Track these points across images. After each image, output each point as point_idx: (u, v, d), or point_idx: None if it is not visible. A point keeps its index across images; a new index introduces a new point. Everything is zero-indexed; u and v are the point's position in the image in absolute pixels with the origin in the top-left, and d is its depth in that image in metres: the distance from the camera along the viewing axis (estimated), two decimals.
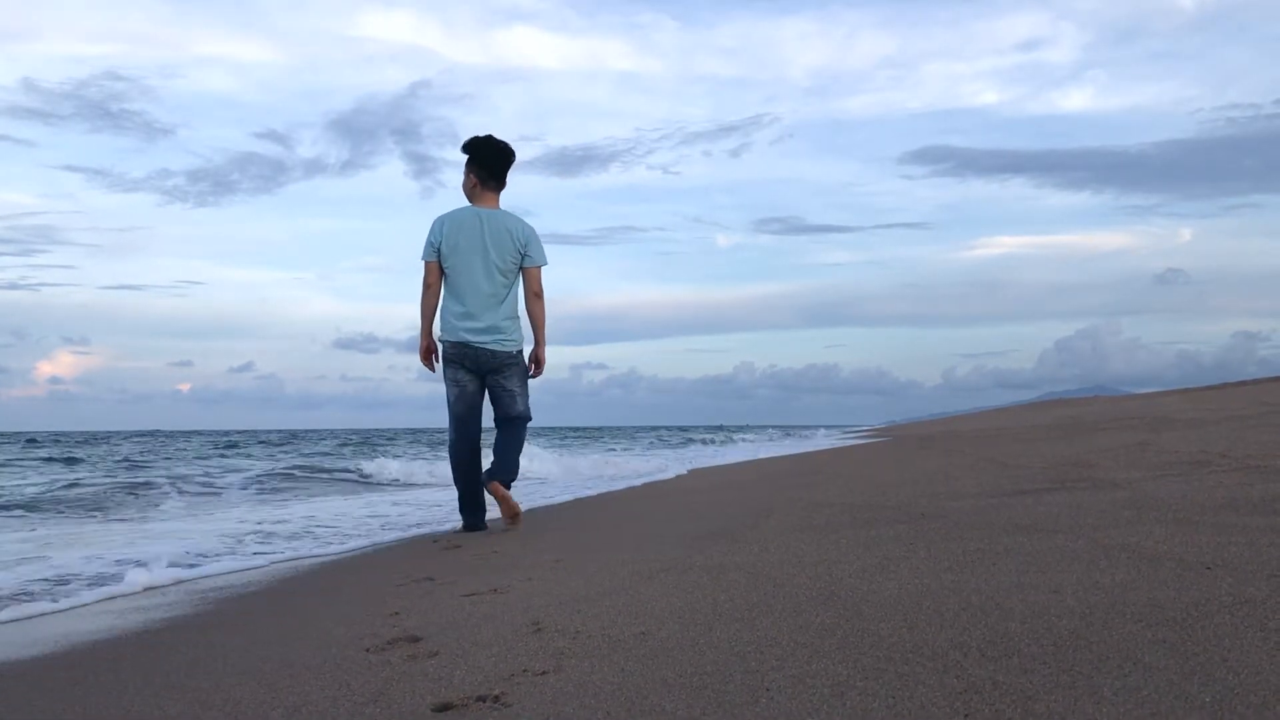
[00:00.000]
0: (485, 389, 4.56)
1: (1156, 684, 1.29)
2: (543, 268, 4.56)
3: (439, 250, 4.45)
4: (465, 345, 4.43)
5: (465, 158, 4.60)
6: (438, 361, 4.57)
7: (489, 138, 4.58)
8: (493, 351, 4.45)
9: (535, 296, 4.55)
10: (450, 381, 4.50)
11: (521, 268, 4.52)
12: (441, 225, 4.48)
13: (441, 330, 4.51)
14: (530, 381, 4.70)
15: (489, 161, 4.56)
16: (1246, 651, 1.39)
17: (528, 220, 4.58)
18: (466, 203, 4.59)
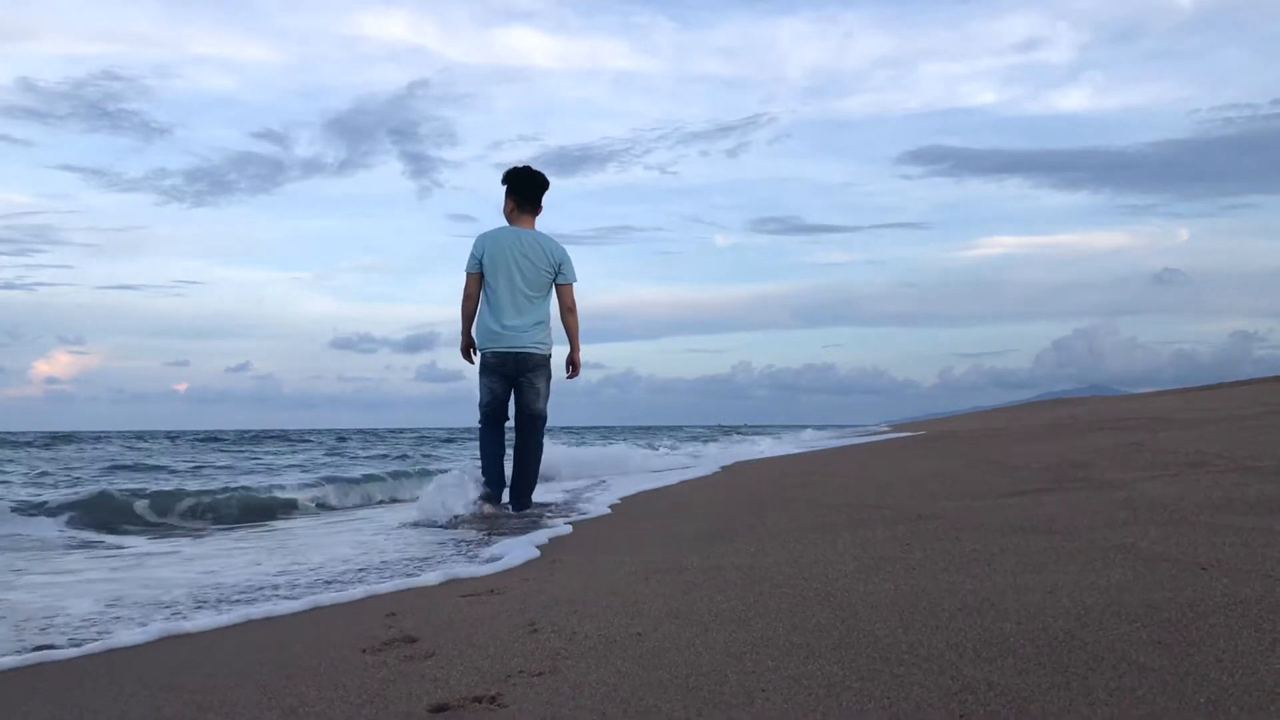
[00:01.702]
0: (512, 389, 5.16)
1: (1151, 684, 1.29)
2: (574, 285, 5.19)
3: (481, 263, 5.05)
4: (503, 353, 5.01)
5: (504, 185, 5.20)
6: (476, 356, 5.15)
7: (526, 168, 5.21)
8: (527, 354, 5.04)
9: (569, 311, 5.18)
10: (485, 387, 5.11)
11: (555, 284, 5.13)
12: (484, 242, 5.08)
13: (482, 341, 5.08)
14: (552, 384, 5.30)
15: (524, 189, 5.17)
16: (1241, 652, 1.39)
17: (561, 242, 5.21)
18: (507, 224, 5.19)
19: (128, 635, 2.29)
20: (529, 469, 5.22)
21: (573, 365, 5.27)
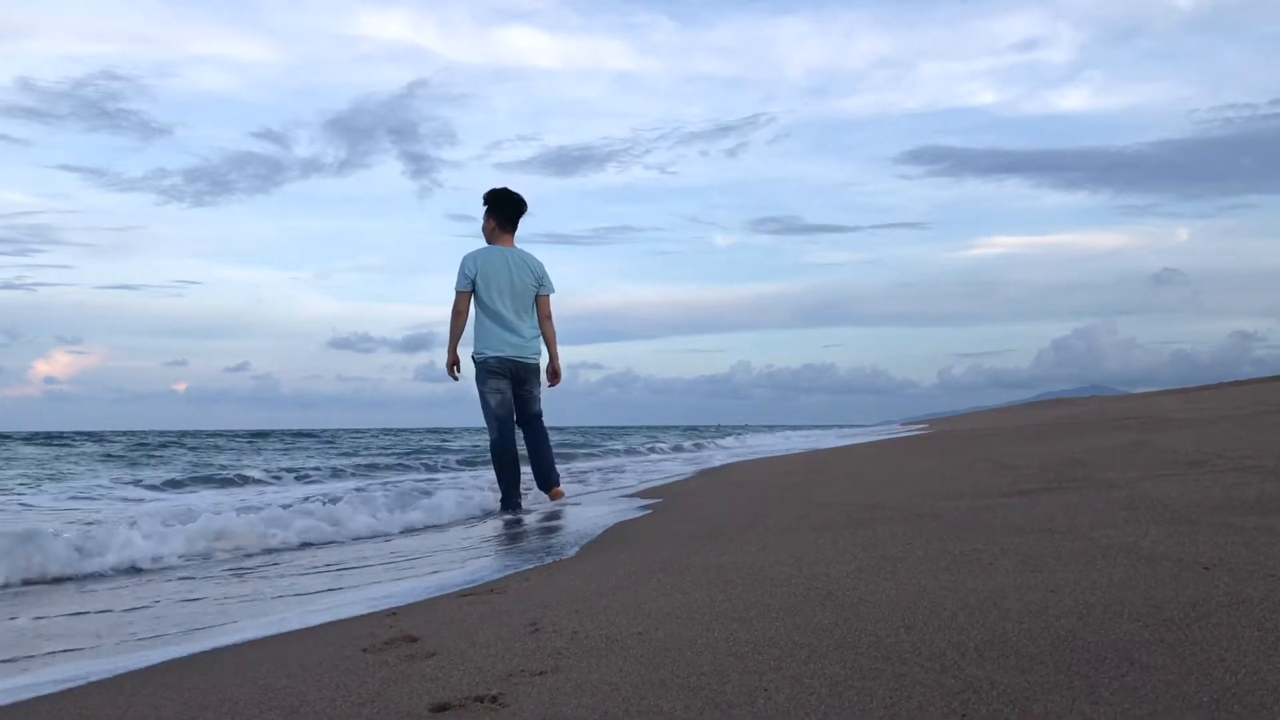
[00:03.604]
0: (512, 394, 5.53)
1: (1154, 684, 1.29)
2: (552, 295, 5.57)
3: (473, 282, 5.36)
4: (507, 359, 5.37)
5: (485, 205, 5.53)
6: (459, 373, 5.51)
7: (506, 190, 5.54)
8: (526, 362, 5.46)
9: (547, 319, 5.53)
10: (492, 390, 5.41)
11: (536, 295, 5.49)
12: (474, 261, 5.39)
13: (484, 348, 5.39)
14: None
15: (505, 210, 5.53)
16: (1244, 652, 1.39)
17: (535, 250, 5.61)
18: (484, 242, 5.54)
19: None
20: (547, 455, 5.61)
21: (554, 374, 5.65)
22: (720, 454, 13.56)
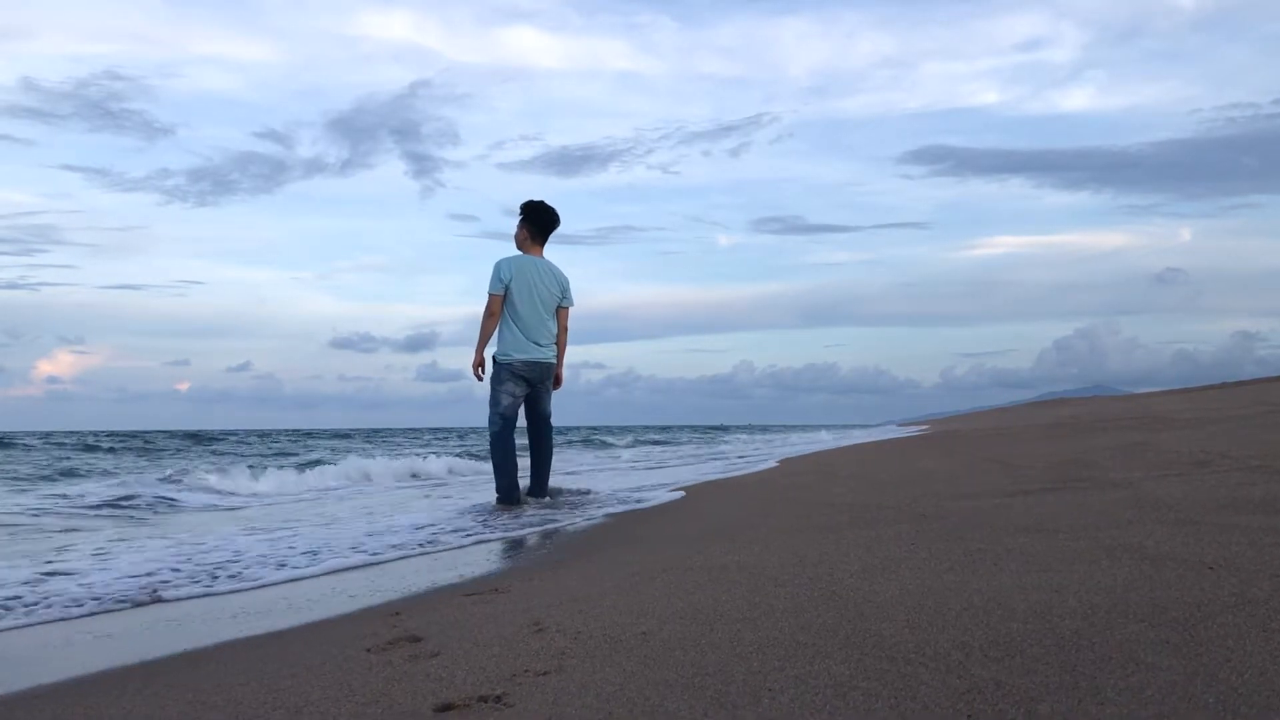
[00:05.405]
0: (524, 396, 5.76)
1: (1160, 684, 1.29)
2: (570, 309, 5.84)
3: (507, 286, 5.60)
4: (532, 363, 5.62)
5: (520, 215, 5.76)
6: (484, 374, 5.69)
7: (543, 203, 5.80)
8: (548, 364, 5.70)
9: (563, 331, 5.83)
10: (506, 391, 5.63)
11: (558, 306, 5.76)
12: (509, 266, 5.64)
13: (511, 350, 5.61)
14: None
15: (541, 223, 5.78)
16: (1250, 652, 1.39)
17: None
18: (515, 249, 5.77)
19: None
20: (546, 462, 5.88)
21: (556, 380, 5.90)
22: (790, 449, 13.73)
